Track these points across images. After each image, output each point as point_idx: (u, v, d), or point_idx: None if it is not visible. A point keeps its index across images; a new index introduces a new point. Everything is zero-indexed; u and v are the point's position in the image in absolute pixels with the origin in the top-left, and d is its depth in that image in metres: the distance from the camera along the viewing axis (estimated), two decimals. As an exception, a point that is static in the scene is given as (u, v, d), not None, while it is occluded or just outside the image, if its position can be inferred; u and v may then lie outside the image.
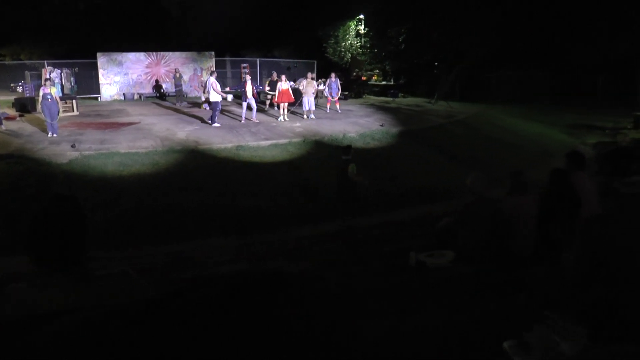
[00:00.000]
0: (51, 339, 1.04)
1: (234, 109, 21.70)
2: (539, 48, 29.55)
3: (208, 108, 21.77)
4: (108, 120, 19.39)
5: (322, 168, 14.90)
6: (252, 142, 16.46)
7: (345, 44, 33.36)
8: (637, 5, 23.29)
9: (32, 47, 32.38)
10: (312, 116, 20.65)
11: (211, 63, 28.76)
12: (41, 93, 15.73)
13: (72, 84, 25.35)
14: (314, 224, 11.68)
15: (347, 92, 28.75)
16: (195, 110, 22.08)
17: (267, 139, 16.93)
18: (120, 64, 26.68)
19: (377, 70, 34.46)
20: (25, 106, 20.25)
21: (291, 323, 0.90)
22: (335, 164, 12.47)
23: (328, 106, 22.72)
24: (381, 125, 19.98)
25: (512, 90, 32.06)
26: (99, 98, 26.31)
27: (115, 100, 26.26)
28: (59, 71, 24.71)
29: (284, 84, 19.85)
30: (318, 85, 24.70)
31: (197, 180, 13.41)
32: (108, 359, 0.88)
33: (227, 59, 30.77)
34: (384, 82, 34.23)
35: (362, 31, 33.49)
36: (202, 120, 19.52)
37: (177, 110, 22.41)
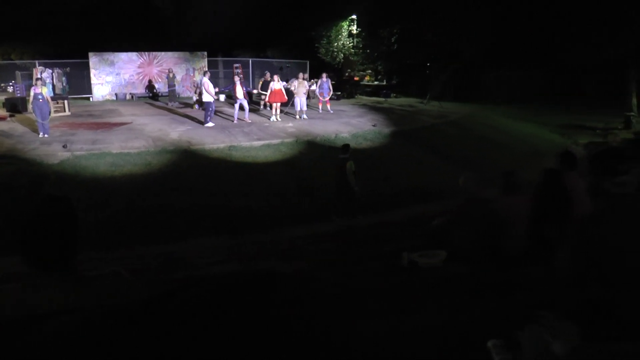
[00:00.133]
0: (42, 340, 1.03)
1: (227, 109, 21.66)
2: (530, 49, 29.64)
3: (199, 108, 21.77)
4: (100, 121, 19.31)
5: (315, 168, 14.91)
6: (244, 143, 16.44)
7: (338, 44, 33.35)
8: (628, 8, 23.40)
9: (23, 46, 32.21)
10: (305, 116, 20.65)
11: (203, 63, 28.69)
12: (32, 93, 15.65)
13: (64, 84, 25.23)
14: (307, 224, 11.69)
15: (339, 92, 28.75)
16: (187, 111, 22.03)
17: (259, 139, 16.91)
18: (112, 63, 26.57)
19: (370, 71, 34.46)
20: (16, 106, 20.13)
21: (284, 323, 0.90)
22: (329, 164, 12.50)
23: (320, 106, 22.71)
24: (373, 126, 20.00)
25: (504, 90, 32.16)
26: (91, 98, 26.18)
27: (107, 101, 26.13)
28: (50, 71, 24.58)
29: (277, 84, 19.84)
30: (310, 86, 24.70)
31: (190, 180, 13.38)
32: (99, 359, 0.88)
33: (219, 59, 30.70)
34: (376, 83, 34.23)
35: (355, 31, 33.49)
36: (195, 121, 19.48)
37: (169, 111, 22.35)
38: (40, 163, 13.54)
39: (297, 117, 20.57)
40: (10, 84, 25.63)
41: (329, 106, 22.78)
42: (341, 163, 11.59)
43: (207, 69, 25.67)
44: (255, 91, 24.51)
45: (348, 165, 11.34)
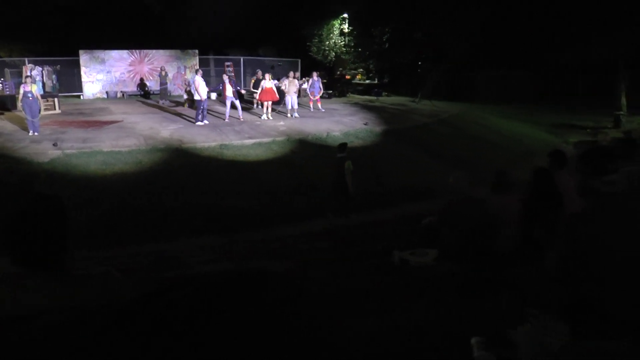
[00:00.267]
0: (30, 339, 1.03)
1: (218, 107, 21.62)
2: (521, 50, 29.80)
3: (187, 106, 21.76)
4: (91, 119, 19.21)
5: (307, 167, 14.92)
6: (235, 141, 16.41)
7: (329, 42, 33.35)
8: (618, 9, 23.57)
9: (12, 43, 31.93)
10: (296, 115, 20.65)
11: (195, 61, 28.64)
12: (21, 91, 15.52)
13: (54, 82, 25.11)
14: (299, 222, 11.69)
15: (331, 91, 28.77)
16: (179, 109, 21.97)
17: (251, 138, 16.89)
18: (103, 61, 26.47)
19: (361, 69, 34.51)
20: (5, 104, 20.01)
21: (275, 322, 0.90)
22: (321, 162, 12.50)
23: (311, 105, 22.72)
24: (365, 124, 20.02)
25: (496, 90, 32.34)
26: (82, 96, 26.06)
27: (98, 99, 26.02)
28: (40, 69, 24.45)
29: (268, 83, 19.83)
30: (301, 85, 24.71)
31: (181, 179, 13.34)
32: (87, 358, 0.87)
33: (210, 57, 30.63)
34: (367, 81, 34.29)
35: (346, 30, 33.51)
36: (186, 119, 19.43)
37: (160, 109, 22.28)
38: (30, 161, 13.46)
39: (289, 115, 20.57)
40: (-1, 81, 25.47)
41: (320, 105, 22.80)
42: (339, 162, 11.64)
43: (198, 67, 25.66)
44: (244, 91, 24.51)
45: (346, 165, 11.40)
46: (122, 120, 18.89)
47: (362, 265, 7.33)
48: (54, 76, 25.24)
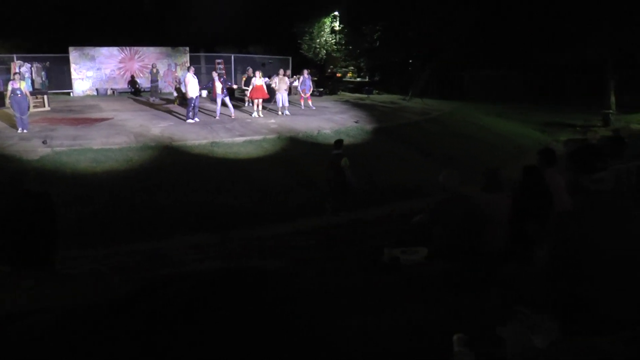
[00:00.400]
0: (16, 339, 1.02)
1: (209, 105, 21.56)
2: (514, 48, 29.91)
3: (177, 103, 21.71)
4: (81, 116, 19.11)
5: (298, 164, 14.91)
6: (226, 139, 16.38)
7: (320, 40, 33.35)
8: (606, 10, 23.73)
9: (0, 40, 31.68)
10: (287, 112, 20.64)
11: (186, 58, 28.55)
12: (10, 88, 15.37)
13: (43, 79, 24.94)
14: (290, 220, 11.68)
15: (322, 89, 28.78)
16: (169, 106, 21.89)
17: (241, 136, 16.86)
18: (92, 58, 26.31)
19: (352, 67, 34.56)
20: (-7, 101, 19.86)
21: (264, 321, 0.90)
22: (312, 160, 12.51)
23: (302, 103, 22.71)
24: (356, 122, 20.03)
25: (487, 88, 32.49)
26: (71, 93, 25.90)
27: (88, 96, 25.86)
28: (29, 65, 24.26)
29: (258, 80, 19.82)
30: (292, 82, 24.71)
31: (172, 176, 13.30)
32: (75, 357, 0.87)
33: (201, 54, 30.53)
34: (358, 79, 34.35)
35: (337, 28, 33.52)
36: (177, 116, 19.37)
37: (151, 106, 22.20)
38: (19, 159, 13.37)
39: (279, 113, 20.55)
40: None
41: (310, 102, 22.80)
42: (335, 159, 11.68)
43: (189, 64, 25.59)
44: (235, 86, 24.48)
45: (343, 162, 11.45)
46: (112, 118, 18.81)
47: (353, 264, 7.34)
48: (43, 73, 25.07)
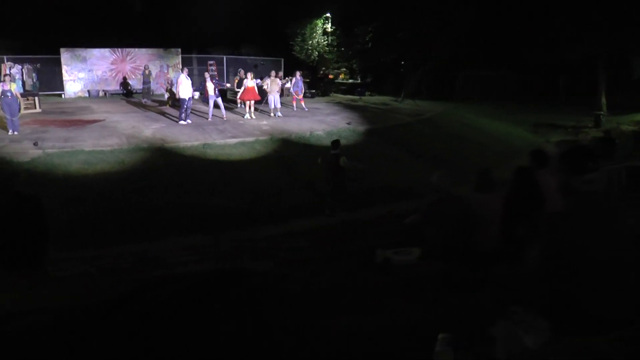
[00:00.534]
0: (8, 340, 1.02)
1: (201, 106, 21.52)
2: (503, 50, 30.03)
3: (170, 105, 21.67)
4: (72, 118, 19.03)
5: (290, 166, 14.91)
6: (219, 140, 16.36)
7: (312, 42, 33.35)
8: (597, 9, 23.86)
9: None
10: (279, 114, 20.65)
11: (178, 60, 28.50)
12: (0, 89, 15.30)
13: (34, 80, 24.80)
14: (282, 222, 11.68)
15: (314, 90, 28.78)
16: (161, 108, 21.84)
17: (234, 137, 16.84)
18: (84, 60, 26.21)
19: (344, 69, 34.52)
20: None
21: (253, 320, 0.90)
22: (305, 162, 12.50)
23: (294, 104, 22.73)
24: (348, 124, 20.05)
25: (479, 89, 32.58)
26: (63, 95, 25.79)
27: (79, 97, 25.76)
28: (20, 67, 24.14)
29: (250, 82, 19.81)
30: (284, 84, 24.72)
31: (164, 178, 13.27)
32: (66, 358, 0.87)
33: (193, 55, 30.46)
34: (350, 81, 34.30)
35: (329, 29, 33.53)
36: (169, 118, 19.33)
37: (143, 108, 22.14)
38: (10, 161, 13.29)
39: (272, 115, 20.55)
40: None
41: (303, 104, 22.82)
42: (333, 159, 11.82)
43: (181, 66, 25.55)
44: (228, 85, 24.48)
45: (342, 161, 11.65)
46: (104, 120, 18.74)
47: (345, 265, 7.34)
48: (34, 74, 24.93)
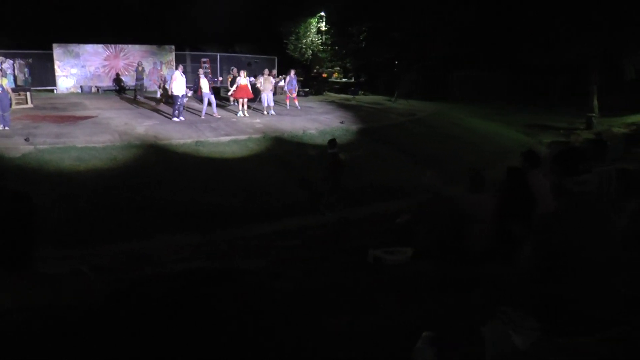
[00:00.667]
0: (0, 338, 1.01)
1: (194, 104, 21.49)
2: (499, 50, 30.12)
3: (163, 101, 21.60)
4: (64, 114, 18.94)
5: (283, 165, 14.91)
6: (211, 138, 16.33)
7: (306, 40, 33.36)
8: (589, 12, 23.98)
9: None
10: (272, 112, 20.66)
11: (171, 57, 28.42)
12: (-9, 84, 15.19)
13: (26, 76, 24.64)
14: (275, 220, 11.68)
15: (307, 89, 28.79)
16: (154, 105, 21.76)
17: (227, 135, 16.82)
18: (77, 55, 26.07)
19: (338, 68, 34.54)
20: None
21: (243, 320, 0.91)
22: (297, 160, 12.52)
23: (287, 102, 22.75)
24: (341, 123, 20.07)
25: (471, 90, 32.67)
26: (55, 90, 25.63)
27: (72, 93, 25.62)
28: (12, 62, 23.98)
29: (243, 80, 19.80)
30: (278, 82, 24.71)
31: (157, 175, 13.23)
32: (55, 357, 0.87)
33: (187, 53, 30.38)
34: (344, 80, 34.32)
35: (323, 28, 33.53)
36: (162, 115, 19.28)
37: (136, 105, 22.06)
38: (0, 156, 13.22)
39: (265, 113, 20.55)
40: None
41: (296, 102, 22.83)
42: (331, 158, 11.98)
43: (174, 63, 25.48)
44: (220, 78, 24.48)
45: (342, 158, 11.94)
46: (96, 116, 18.66)
47: (337, 264, 7.35)
48: (26, 69, 24.77)
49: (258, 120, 19.42)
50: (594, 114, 25.35)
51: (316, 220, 11.55)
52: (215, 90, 21.14)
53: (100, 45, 26.60)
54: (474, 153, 17.84)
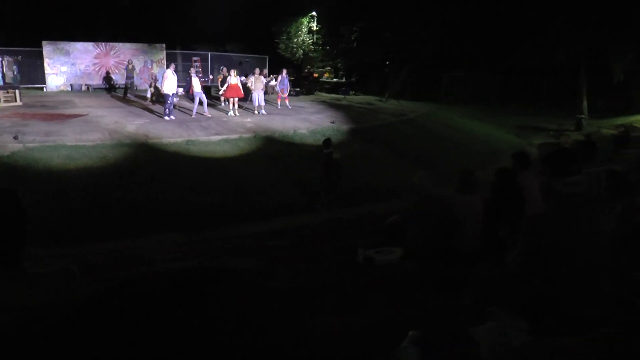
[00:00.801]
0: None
1: (185, 103, 21.43)
2: (490, 51, 30.22)
3: (154, 100, 21.54)
4: (54, 112, 18.82)
5: (274, 164, 14.89)
6: (202, 137, 16.29)
7: (298, 40, 33.35)
8: (579, 14, 24.11)
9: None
10: (263, 112, 20.65)
11: (162, 56, 28.33)
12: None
13: (15, 73, 24.44)
14: (266, 220, 11.66)
15: (298, 89, 28.78)
16: (145, 103, 21.69)
17: (217, 134, 16.79)
18: (67, 53, 25.93)
19: (329, 68, 34.57)
20: (-37, 95, 19.45)
21: (234, 320, 0.90)
22: (288, 160, 12.52)
23: (279, 102, 22.74)
24: (332, 123, 20.08)
25: (462, 91, 32.76)
26: (45, 88, 25.50)
27: (61, 91, 25.49)
28: (0, 59, 23.83)
29: (233, 79, 19.77)
30: (269, 82, 24.69)
31: (147, 174, 13.18)
32: (44, 357, 0.86)
33: (178, 51, 30.32)
34: (335, 80, 34.36)
35: (315, 28, 33.53)
36: (152, 114, 19.21)
37: (126, 103, 21.98)
38: (-11, 155, 13.13)
39: (256, 112, 20.54)
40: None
41: (287, 102, 22.82)
42: (326, 158, 12.20)
43: (165, 61, 25.38)
44: (211, 77, 24.43)
45: (337, 157, 12.04)
46: (86, 114, 18.57)
47: (327, 264, 7.35)
48: (14, 67, 24.56)
49: (249, 120, 19.39)
50: (583, 116, 25.50)
51: (307, 220, 11.54)
52: (206, 90, 21.08)
53: (90, 43, 26.48)
54: (464, 154, 17.89)
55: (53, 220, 10.36)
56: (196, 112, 19.19)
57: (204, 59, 29.86)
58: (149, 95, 22.46)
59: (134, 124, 17.24)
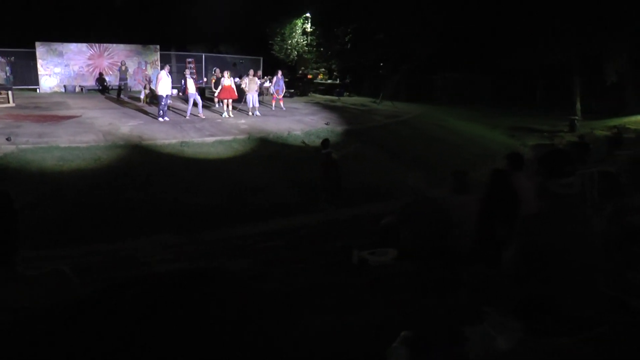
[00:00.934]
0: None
1: (179, 104, 21.40)
2: (482, 52, 30.33)
3: (148, 101, 21.50)
4: (47, 113, 18.75)
5: (268, 165, 14.88)
6: (196, 139, 16.27)
7: (292, 41, 33.32)
8: (571, 16, 24.22)
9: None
10: (257, 113, 20.63)
11: (156, 57, 28.26)
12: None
13: (8, 74, 24.36)
14: (260, 221, 11.65)
15: (292, 90, 28.77)
16: (139, 105, 21.64)
17: (211, 136, 16.77)
18: (60, 54, 25.83)
19: (323, 69, 34.57)
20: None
21: (228, 321, 0.90)
22: (282, 161, 12.52)
23: (273, 104, 22.73)
24: (326, 124, 20.09)
25: (457, 92, 32.87)
26: (38, 90, 25.37)
27: (55, 92, 25.37)
28: (-7, 60, 23.76)
29: (227, 80, 19.73)
30: (264, 83, 24.67)
31: (141, 176, 13.16)
32: (44, 357, 0.86)
33: (172, 52, 30.25)
34: (329, 81, 34.36)
35: (309, 29, 33.53)
36: (146, 115, 19.17)
37: (120, 104, 21.92)
38: (-19, 156, 13.07)
39: (250, 114, 20.53)
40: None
41: (282, 103, 22.81)
42: (325, 158, 12.39)
43: (159, 63, 25.33)
44: (205, 79, 24.40)
45: (335, 157, 12.39)
46: (80, 115, 18.51)
47: (321, 264, 7.35)
48: (7, 68, 24.48)
49: (243, 121, 19.38)
50: (576, 117, 25.64)
51: (303, 221, 11.54)
52: (200, 91, 21.05)
53: (84, 44, 26.39)
54: (458, 155, 17.93)
55: (46, 222, 10.33)
56: (190, 114, 19.15)
57: (198, 60, 29.81)
58: (142, 96, 22.39)
59: (128, 126, 17.19)
